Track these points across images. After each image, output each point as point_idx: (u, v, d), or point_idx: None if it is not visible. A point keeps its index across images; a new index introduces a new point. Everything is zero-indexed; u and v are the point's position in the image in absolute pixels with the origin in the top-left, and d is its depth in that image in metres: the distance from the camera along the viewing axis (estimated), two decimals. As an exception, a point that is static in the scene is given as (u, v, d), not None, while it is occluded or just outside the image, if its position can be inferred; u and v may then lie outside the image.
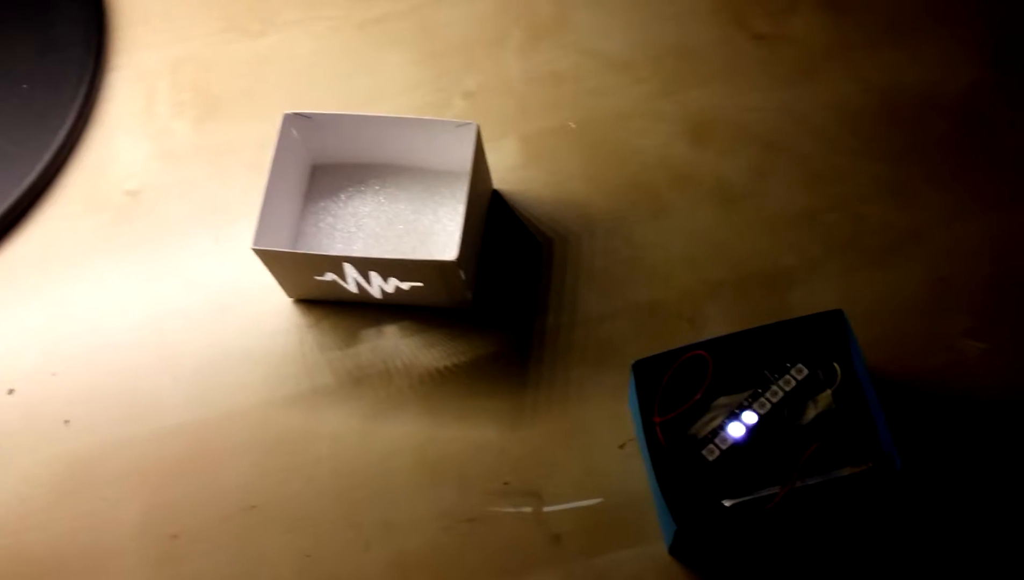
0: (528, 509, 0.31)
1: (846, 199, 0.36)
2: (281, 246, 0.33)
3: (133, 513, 0.32)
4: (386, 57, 0.41)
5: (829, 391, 0.27)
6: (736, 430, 0.27)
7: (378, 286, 0.33)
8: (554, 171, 0.38)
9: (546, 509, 0.31)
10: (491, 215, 0.37)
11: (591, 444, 0.32)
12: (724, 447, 0.27)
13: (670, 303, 0.34)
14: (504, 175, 0.38)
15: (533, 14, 0.41)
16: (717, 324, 0.34)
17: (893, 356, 0.32)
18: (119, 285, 0.37)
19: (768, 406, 0.27)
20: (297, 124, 0.34)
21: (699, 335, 0.33)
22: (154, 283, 0.37)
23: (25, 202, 0.39)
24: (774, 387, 0.28)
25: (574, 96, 0.39)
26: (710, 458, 0.27)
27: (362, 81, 0.41)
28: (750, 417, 0.27)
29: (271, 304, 0.36)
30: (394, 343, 0.35)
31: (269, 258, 0.32)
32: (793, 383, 0.27)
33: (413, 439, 0.33)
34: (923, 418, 0.31)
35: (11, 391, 0.35)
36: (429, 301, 0.34)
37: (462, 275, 0.32)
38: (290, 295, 0.36)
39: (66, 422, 0.34)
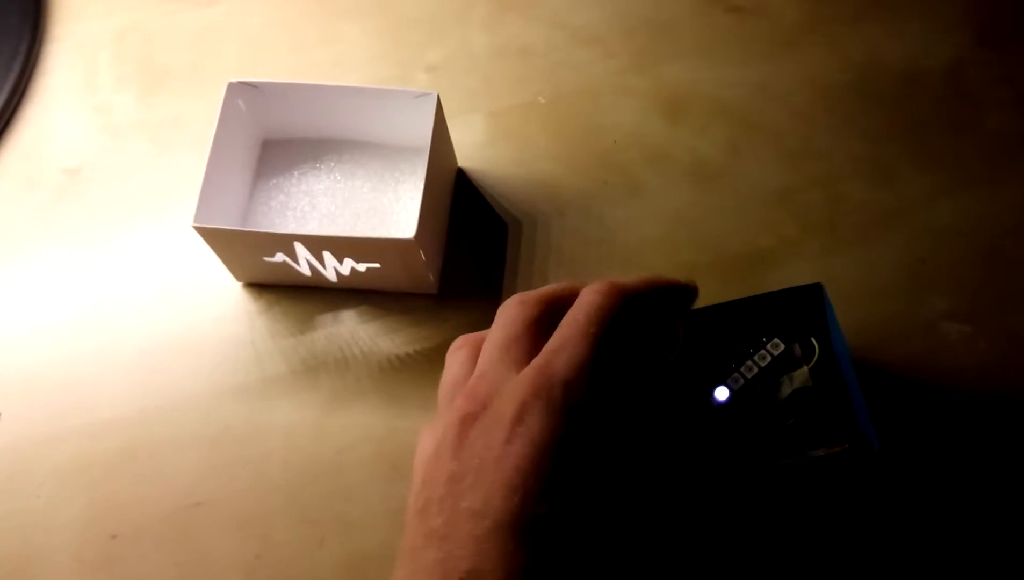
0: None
1: (824, 178, 0.35)
2: (227, 225, 0.31)
3: (70, 512, 0.30)
4: (343, 28, 0.39)
5: (806, 368, 0.26)
6: (721, 394, 0.26)
7: (333, 268, 0.31)
8: (522, 149, 0.36)
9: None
10: (457, 195, 0.35)
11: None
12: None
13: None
14: (470, 153, 0.36)
15: (500, -17, 0.39)
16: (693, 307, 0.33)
17: (873, 338, 0.31)
18: (56, 268, 0.35)
19: (742, 382, 0.26)
20: (243, 94, 0.32)
21: (672, 319, 0.32)
22: (94, 266, 0.35)
23: (-46, 181, 0.36)
24: (748, 362, 0.26)
25: (543, 71, 0.38)
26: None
27: (317, 54, 0.38)
28: (722, 393, 0.26)
29: (219, 289, 0.34)
30: (352, 329, 0.33)
31: (212, 237, 0.30)
32: (768, 359, 0.26)
33: (372, 431, 0.31)
34: (903, 401, 0.30)
35: (-60, 384, 0.33)
36: (390, 285, 0.32)
37: (422, 255, 0.30)
38: (239, 279, 0.34)
39: None
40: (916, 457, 0.30)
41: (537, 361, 0.21)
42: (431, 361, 0.32)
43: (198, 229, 0.29)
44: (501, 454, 0.20)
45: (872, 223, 0.34)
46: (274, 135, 0.35)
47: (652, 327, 0.25)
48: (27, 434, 0.32)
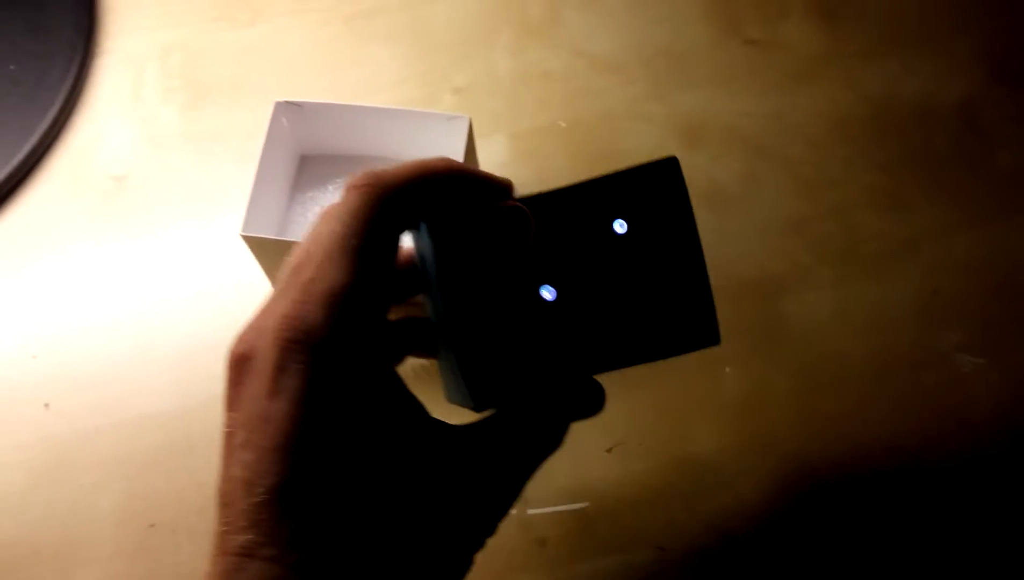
0: (512, 511, 0.31)
1: (839, 208, 0.36)
2: (269, 235, 0.33)
3: (110, 501, 0.32)
4: (375, 51, 0.41)
5: (658, 254, 0.21)
6: (548, 293, 0.20)
7: (362, 280, 0.33)
8: (543, 169, 0.38)
9: (531, 511, 0.31)
10: (478, 212, 0.37)
11: (577, 447, 0.32)
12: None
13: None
14: (492, 171, 0.37)
15: (524, 12, 0.41)
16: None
17: (886, 368, 0.32)
18: (102, 269, 0.37)
19: (577, 273, 0.20)
20: (287, 113, 0.34)
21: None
22: (137, 268, 0.37)
23: (10, 184, 0.38)
24: (586, 250, 0.21)
25: (564, 95, 0.39)
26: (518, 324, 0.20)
27: (350, 74, 0.40)
28: (551, 289, 0.21)
29: (255, 294, 0.36)
30: (377, 338, 0.35)
31: (257, 246, 0.32)
32: (614, 244, 0.21)
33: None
34: (915, 432, 0.31)
35: (-9, 374, 0.35)
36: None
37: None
38: (275, 286, 0.35)
39: (46, 406, 0.34)
40: (926, 485, 0.30)
41: (295, 293, 0.17)
42: (451, 371, 0.34)
43: (245, 238, 0.31)
44: (265, 411, 0.17)
45: (886, 254, 0.35)
46: (312, 151, 0.37)
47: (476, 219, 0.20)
48: (72, 426, 0.34)
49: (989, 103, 0.38)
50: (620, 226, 0.21)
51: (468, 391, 0.20)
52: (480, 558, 0.30)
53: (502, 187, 0.21)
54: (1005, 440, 0.31)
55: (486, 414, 0.20)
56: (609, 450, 0.32)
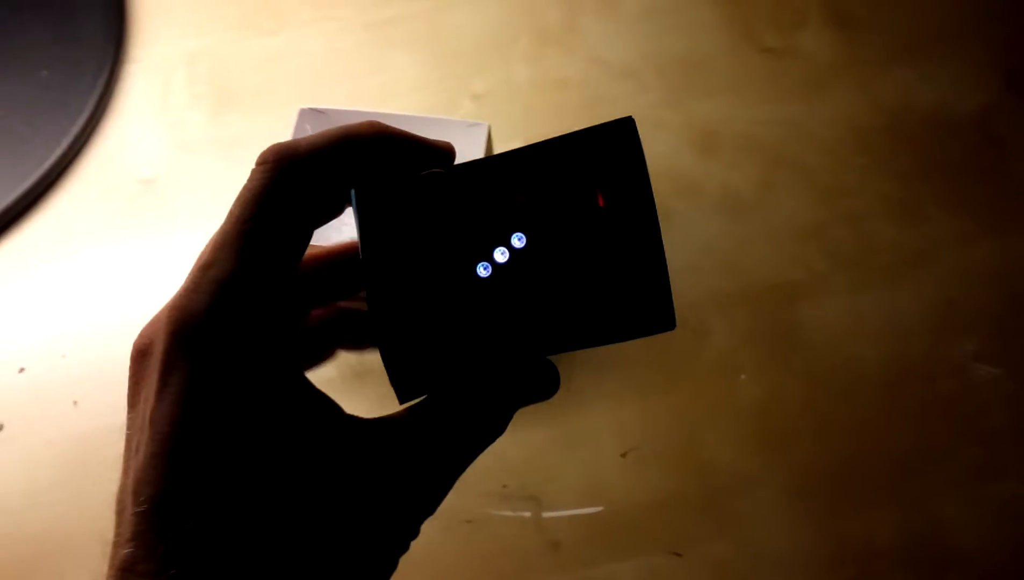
0: (527, 514, 0.31)
1: (854, 215, 0.36)
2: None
3: (134, 495, 0.33)
4: (395, 58, 0.41)
5: (606, 232, 0.18)
6: (484, 269, 0.19)
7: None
8: (560, 176, 0.38)
9: (545, 515, 0.31)
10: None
11: (592, 451, 0.32)
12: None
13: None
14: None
15: (542, 21, 0.42)
16: (722, 335, 0.34)
17: (900, 377, 0.32)
18: (129, 269, 0.38)
19: (520, 246, 0.18)
20: (311, 119, 0.35)
21: (703, 346, 0.33)
22: (164, 269, 0.38)
23: (42, 185, 0.39)
24: (531, 219, 0.18)
25: (581, 102, 0.40)
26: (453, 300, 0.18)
27: (371, 80, 0.41)
28: (487, 266, 0.19)
29: (276, 297, 0.36)
30: (395, 340, 0.35)
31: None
32: (559, 213, 0.18)
33: (410, 435, 0.33)
34: (930, 442, 0.31)
35: (21, 370, 0.36)
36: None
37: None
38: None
39: (75, 403, 0.35)
40: (940, 494, 0.30)
41: (188, 280, 0.16)
42: (467, 373, 0.34)
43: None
44: (153, 413, 0.15)
45: (901, 262, 0.35)
46: (332, 157, 0.38)
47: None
48: (100, 424, 0.35)
49: (1005, 112, 0.38)
50: (568, 196, 0.18)
51: (390, 379, 0.18)
52: (493, 559, 0.30)
53: (442, 152, 0.19)
54: (1021, 451, 0.31)
55: (414, 402, 0.18)
56: (624, 455, 0.32)
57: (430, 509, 0.18)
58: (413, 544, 0.31)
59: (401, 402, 0.18)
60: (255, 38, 0.42)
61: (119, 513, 0.16)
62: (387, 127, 0.18)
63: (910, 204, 0.36)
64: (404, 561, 0.31)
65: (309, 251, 0.19)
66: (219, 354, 0.16)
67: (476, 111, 0.40)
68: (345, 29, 0.42)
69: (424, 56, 0.41)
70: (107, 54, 0.42)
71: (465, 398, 0.18)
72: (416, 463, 0.18)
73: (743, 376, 0.34)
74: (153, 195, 0.39)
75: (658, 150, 0.38)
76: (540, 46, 0.41)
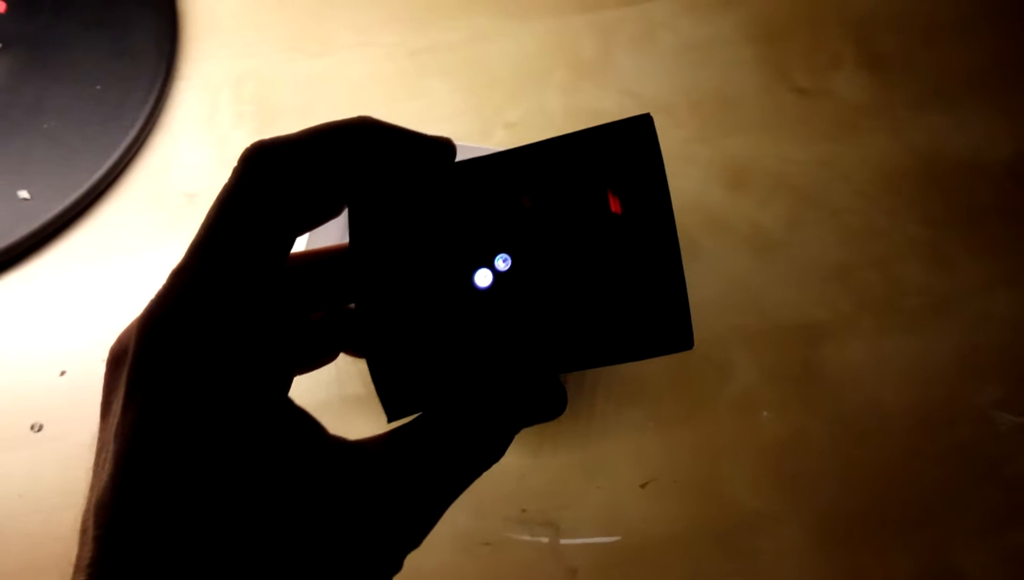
0: (545, 539, 0.32)
1: (882, 258, 0.36)
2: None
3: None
4: (434, 85, 0.43)
5: (619, 242, 0.17)
6: (483, 278, 0.17)
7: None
8: (589, 206, 0.39)
9: (563, 541, 0.32)
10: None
11: (612, 480, 0.33)
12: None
13: (698, 346, 0.34)
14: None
15: (578, 54, 0.43)
16: (746, 371, 0.34)
17: (922, 422, 0.32)
18: (170, 281, 0.39)
19: (522, 255, 0.17)
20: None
21: (726, 381, 0.34)
22: (203, 283, 0.39)
23: (92, 195, 0.41)
24: (536, 224, 0.17)
25: (615, 135, 0.41)
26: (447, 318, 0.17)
27: (410, 105, 0.42)
28: (486, 275, 0.17)
29: (310, 312, 0.37)
30: (422, 360, 0.36)
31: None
32: (568, 216, 0.17)
33: (433, 454, 0.34)
34: (952, 488, 0.31)
35: (62, 373, 0.37)
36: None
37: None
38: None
39: (109, 406, 0.36)
40: (962, 542, 0.30)
41: (164, 285, 0.15)
42: (492, 396, 0.35)
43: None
44: (119, 427, 0.14)
45: (928, 306, 0.35)
46: (369, 179, 0.39)
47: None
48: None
49: (1039, 160, 0.38)
50: (577, 199, 0.16)
51: (378, 395, 0.16)
52: (511, 584, 0.31)
53: (441, 147, 0.17)
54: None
55: (403, 422, 0.17)
56: (643, 485, 0.32)
57: (415, 542, 0.16)
58: (432, 563, 0.31)
59: (390, 420, 0.17)
60: (301, 60, 0.44)
61: (82, 533, 0.15)
62: (378, 120, 0.16)
63: (938, 248, 0.37)
64: (422, 579, 0.32)
65: (309, 252, 0.17)
66: (187, 365, 0.14)
67: (509, 138, 0.41)
68: (388, 55, 0.44)
69: (461, 84, 0.43)
70: (159, 71, 0.44)
71: (460, 417, 0.16)
72: (399, 491, 0.16)
73: (765, 413, 0.34)
74: (196, 208, 0.41)
75: (688, 185, 0.39)
76: (575, 78, 0.42)
